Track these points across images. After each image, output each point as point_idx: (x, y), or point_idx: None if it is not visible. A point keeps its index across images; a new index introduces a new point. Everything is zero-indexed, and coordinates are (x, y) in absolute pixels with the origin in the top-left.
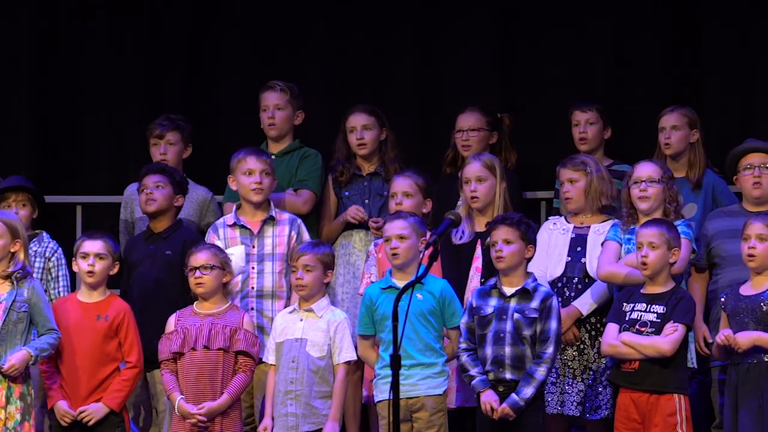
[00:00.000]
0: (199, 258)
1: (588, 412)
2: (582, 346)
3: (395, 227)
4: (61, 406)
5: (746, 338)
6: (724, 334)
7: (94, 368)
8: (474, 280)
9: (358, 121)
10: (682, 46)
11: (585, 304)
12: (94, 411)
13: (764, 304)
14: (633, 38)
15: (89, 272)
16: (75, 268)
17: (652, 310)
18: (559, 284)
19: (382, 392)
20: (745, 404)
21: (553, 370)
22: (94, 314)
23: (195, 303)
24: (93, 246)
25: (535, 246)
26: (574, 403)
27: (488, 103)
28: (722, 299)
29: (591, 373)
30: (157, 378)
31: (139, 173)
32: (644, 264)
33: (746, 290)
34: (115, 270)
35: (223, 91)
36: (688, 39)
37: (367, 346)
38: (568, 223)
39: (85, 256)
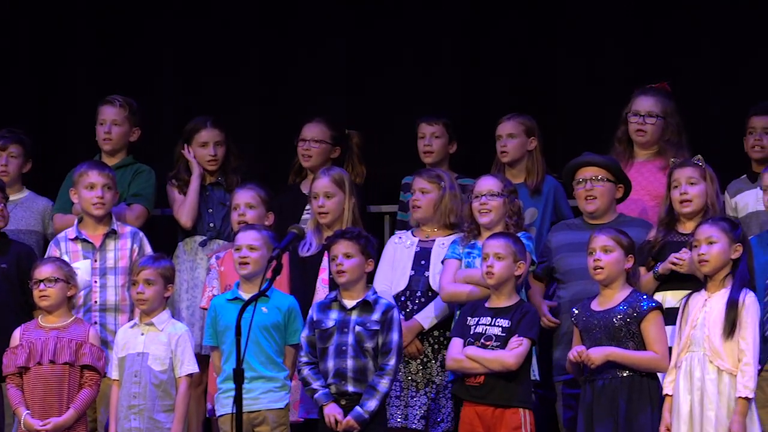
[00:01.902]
0: (44, 271)
1: (431, 426)
2: (425, 360)
3: (248, 237)
4: None
5: (599, 354)
6: (577, 351)
7: None
8: (320, 292)
9: (209, 136)
10: (534, 59)
11: (427, 318)
12: None
13: (616, 319)
14: (484, 52)
15: None
16: None
17: (497, 324)
18: (402, 298)
19: (223, 406)
20: (600, 422)
21: (397, 383)
22: None
23: (39, 317)
24: None
25: (375, 260)
26: (418, 417)
27: (335, 119)
28: (574, 314)
29: (434, 386)
30: (3, 392)
31: None
32: (490, 274)
33: (597, 305)
34: None
35: (65, 102)
36: (540, 51)
37: (216, 357)
38: (414, 236)
39: None
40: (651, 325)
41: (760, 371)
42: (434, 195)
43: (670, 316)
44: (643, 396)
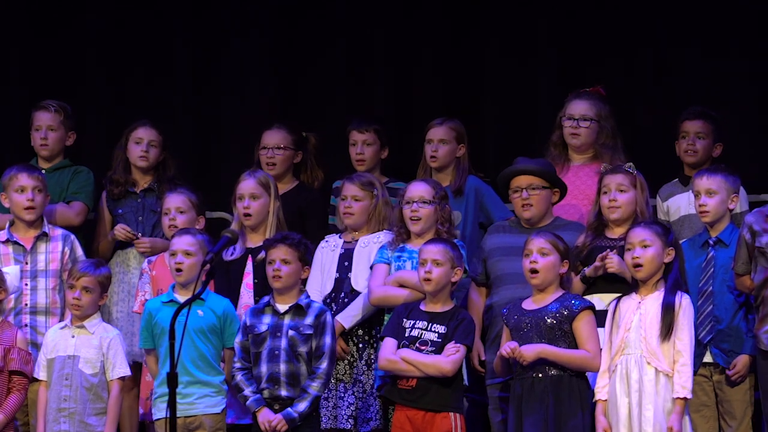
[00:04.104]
0: None
1: (360, 425)
2: (351, 360)
3: (183, 242)
4: None
5: (531, 351)
6: (510, 347)
7: None
8: (245, 297)
9: (146, 134)
10: (462, 66)
11: (347, 317)
12: None
13: (548, 317)
14: (413, 53)
15: None
16: None
17: (433, 329)
18: (328, 300)
19: (159, 410)
20: (529, 417)
21: None
22: None
23: None
24: None
25: (310, 267)
26: (346, 416)
27: (295, 123)
28: (504, 313)
29: (361, 385)
30: None
31: None
32: (428, 280)
33: (529, 305)
34: None
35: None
36: (468, 58)
37: (152, 360)
38: (340, 239)
39: None
40: (583, 324)
41: (693, 374)
42: (367, 202)
43: (600, 318)
44: (572, 395)
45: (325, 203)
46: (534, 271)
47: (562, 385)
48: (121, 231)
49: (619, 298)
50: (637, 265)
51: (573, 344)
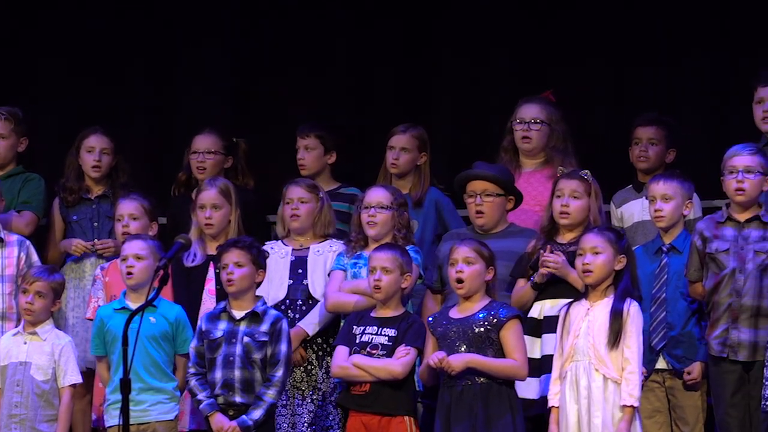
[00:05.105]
0: None
1: None
2: (309, 367)
3: (134, 247)
4: None
5: (460, 360)
6: (437, 357)
7: None
8: (207, 303)
9: (97, 142)
10: (416, 70)
11: (310, 324)
12: None
13: (476, 326)
14: (367, 57)
15: None
16: None
17: (383, 333)
18: (283, 307)
19: (112, 417)
20: (458, 425)
21: (284, 392)
22: None
23: None
24: None
25: (265, 270)
26: (305, 424)
27: (224, 129)
28: (430, 321)
29: (320, 393)
30: None
31: None
32: (378, 288)
33: (456, 313)
34: None
35: None
36: (422, 63)
37: (103, 367)
38: (286, 245)
39: None
40: (510, 333)
41: (645, 380)
42: (312, 205)
43: (551, 324)
44: (501, 402)
45: (261, 205)
46: (460, 281)
47: (491, 393)
48: (78, 247)
49: (569, 304)
50: (587, 271)
51: (500, 353)
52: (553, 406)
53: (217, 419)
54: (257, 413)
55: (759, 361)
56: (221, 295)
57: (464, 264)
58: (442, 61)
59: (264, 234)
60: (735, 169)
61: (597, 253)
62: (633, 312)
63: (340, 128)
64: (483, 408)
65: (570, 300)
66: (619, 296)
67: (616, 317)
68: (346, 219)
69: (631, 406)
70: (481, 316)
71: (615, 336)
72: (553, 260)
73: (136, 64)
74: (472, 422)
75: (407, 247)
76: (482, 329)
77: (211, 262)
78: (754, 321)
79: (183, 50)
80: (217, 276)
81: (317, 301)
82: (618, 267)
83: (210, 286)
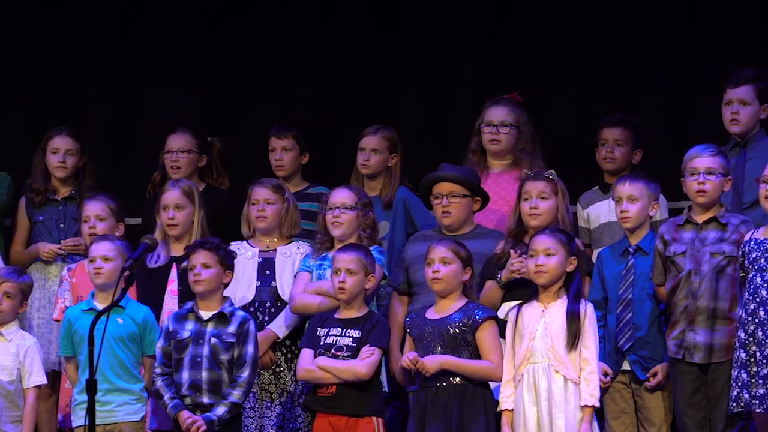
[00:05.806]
0: None
1: None
2: (278, 370)
3: (102, 248)
4: None
5: (434, 362)
6: (409, 358)
7: None
8: (169, 303)
9: (62, 144)
10: (385, 69)
11: (280, 327)
12: None
13: (451, 327)
14: (336, 65)
15: None
16: None
17: (347, 334)
18: (251, 309)
19: (79, 418)
20: (432, 426)
21: (252, 394)
22: None
23: None
24: None
25: (233, 271)
26: (274, 427)
27: (197, 127)
28: (407, 322)
29: (288, 395)
30: None
31: None
32: (342, 290)
33: (432, 314)
34: None
35: None
36: (390, 63)
37: (71, 368)
38: (252, 247)
39: None
40: (486, 335)
41: (612, 380)
42: (279, 206)
43: None
44: (476, 404)
45: (235, 204)
46: (436, 280)
47: (467, 394)
48: (50, 253)
49: (519, 306)
50: (540, 272)
51: (476, 354)
52: (506, 409)
53: (183, 414)
54: (221, 410)
55: (715, 363)
56: (184, 296)
57: (440, 264)
58: (405, 62)
59: (239, 234)
60: (696, 170)
61: (550, 255)
62: (589, 312)
63: (308, 128)
64: (458, 408)
65: (519, 302)
66: (573, 297)
67: (573, 318)
68: (315, 218)
69: (592, 406)
70: (457, 317)
71: (573, 337)
72: (518, 264)
73: (101, 62)
74: (446, 423)
75: (372, 248)
76: (458, 330)
77: (174, 264)
78: (711, 323)
79: (145, 50)
80: (180, 277)
81: (286, 304)
82: (569, 268)
83: (172, 287)
